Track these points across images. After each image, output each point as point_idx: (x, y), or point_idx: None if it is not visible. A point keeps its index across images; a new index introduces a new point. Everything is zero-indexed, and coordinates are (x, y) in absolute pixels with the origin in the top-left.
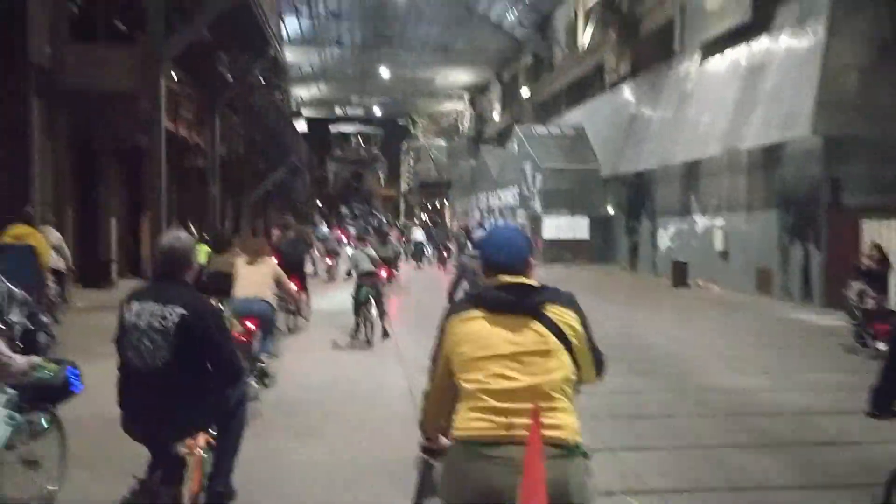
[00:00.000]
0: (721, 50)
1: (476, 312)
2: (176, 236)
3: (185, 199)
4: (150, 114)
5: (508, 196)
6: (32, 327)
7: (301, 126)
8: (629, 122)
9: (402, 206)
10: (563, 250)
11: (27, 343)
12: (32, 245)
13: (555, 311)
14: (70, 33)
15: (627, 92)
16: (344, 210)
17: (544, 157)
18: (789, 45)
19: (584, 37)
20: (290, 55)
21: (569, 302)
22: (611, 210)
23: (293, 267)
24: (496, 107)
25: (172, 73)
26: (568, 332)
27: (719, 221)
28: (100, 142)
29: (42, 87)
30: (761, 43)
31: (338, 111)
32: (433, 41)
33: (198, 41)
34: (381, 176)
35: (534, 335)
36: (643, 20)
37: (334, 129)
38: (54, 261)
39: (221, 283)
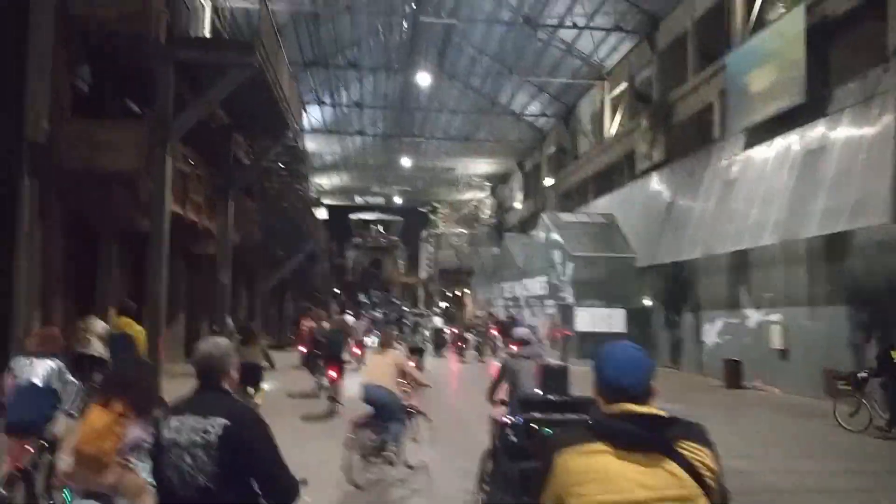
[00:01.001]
0: (769, 134)
1: (599, 446)
2: (214, 342)
3: (194, 288)
4: (154, 196)
5: (536, 285)
6: None
7: (321, 214)
8: (666, 211)
9: (422, 294)
10: (597, 345)
11: None
12: (129, 334)
13: (689, 449)
14: (73, 109)
15: (662, 179)
16: (362, 298)
17: (575, 244)
18: (852, 127)
19: (612, 125)
20: (313, 144)
21: (702, 437)
22: (647, 302)
23: (333, 356)
24: (518, 195)
25: (183, 154)
26: (705, 473)
27: (775, 316)
28: (100, 225)
29: (37, 166)
30: (817, 126)
31: (358, 200)
32: (455, 131)
33: (212, 121)
34: (401, 263)
35: (668, 477)
36: (677, 106)
37: (354, 216)
38: (99, 350)
39: (250, 374)
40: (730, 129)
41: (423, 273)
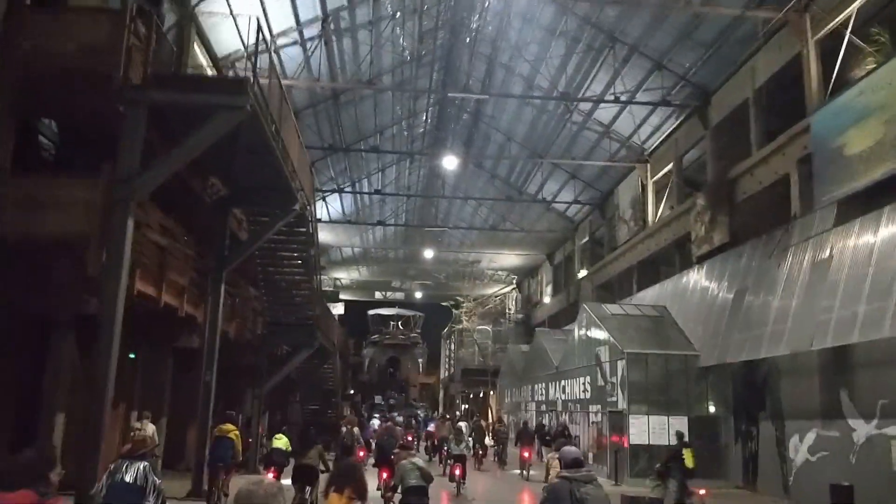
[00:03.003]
0: (868, 205)
1: None
2: (258, 480)
3: (182, 387)
4: (108, 268)
5: (576, 387)
6: None
7: (338, 309)
8: (734, 300)
9: (441, 396)
10: (654, 461)
11: None
12: (232, 438)
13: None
14: (19, 164)
15: (726, 265)
16: (378, 399)
17: (625, 340)
18: None
19: (657, 211)
20: (331, 236)
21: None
22: (713, 408)
23: (384, 460)
24: (546, 289)
25: (160, 224)
26: None
27: (894, 430)
28: (45, 309)
29: None
30: None
31: (378, 295)
32: (480, 221)
33: (206, 193)
34: (420, 362)
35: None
36: (740, 183)
37: (372, 312)
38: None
39: (308, 475)
40: (818, 202)
41: (444, 373)
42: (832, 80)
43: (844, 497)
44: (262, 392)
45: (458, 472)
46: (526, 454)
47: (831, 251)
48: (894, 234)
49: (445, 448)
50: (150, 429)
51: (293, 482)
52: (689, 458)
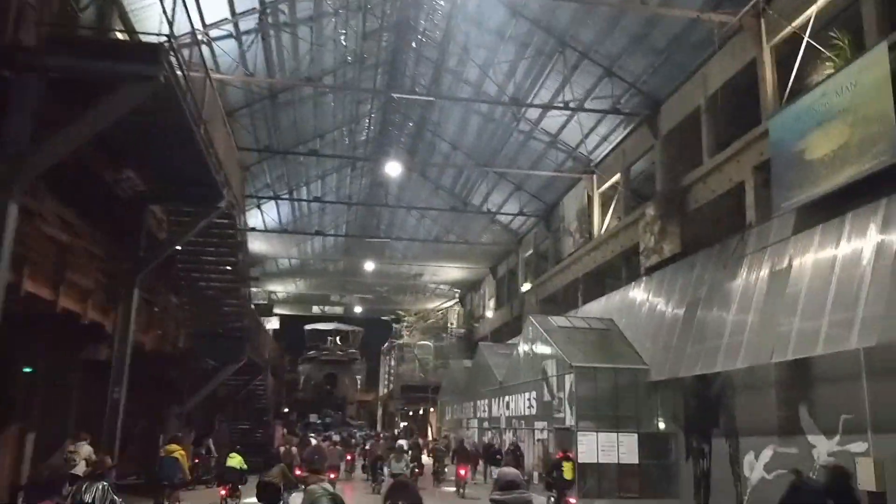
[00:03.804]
0: (829, 211)
1: None
2: None
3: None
4: None
5: (521, 403)
6: None
7: (273, 324)
8: (686, 312)
9: (380, 413)
10: (603, 479)
11: None
12: (177, 457)
13: None
14: None
15: (677, 276)
16: (314, 418)
17: (573, 353)
18: None
19: (603, 222)
20: (266, 245)
21: None
22: (663, 424)
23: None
24: (489, 303)
25: (59, 216)
26: None
27: (858, 446)
28: None
29: None
30: None
31: (315, 310)
32: (424, 233)
33: (120, 187)
34: (359, 379)
35: None
36: (692, 191)
37: (310, 326)
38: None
39: (270, 493)
40: (776, 209)
41: (383, 389)
42: (788, 86)
43: None
44: (184, 410)
45: None
46: (462, 472)
47: (790, 260)
48: (859, 242)
49: (383, 467)
50: (86, 450)
51: (258, 499)
52: (567, 470)
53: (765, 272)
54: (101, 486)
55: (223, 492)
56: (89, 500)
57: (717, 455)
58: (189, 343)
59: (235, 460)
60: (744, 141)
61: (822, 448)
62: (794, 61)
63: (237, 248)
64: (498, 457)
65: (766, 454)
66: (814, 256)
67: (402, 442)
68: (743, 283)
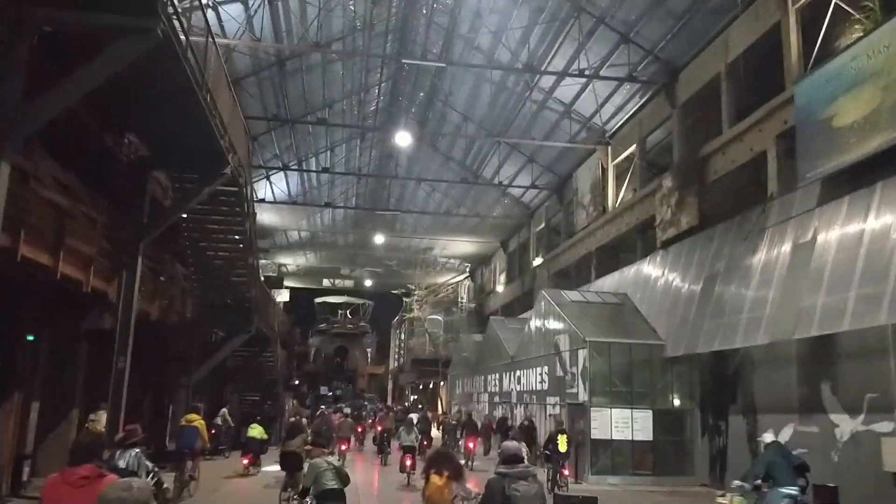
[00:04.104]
0: (857, 181)
1: None
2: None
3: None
4: None
5: (532, 378)
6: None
7: (283, 296)
8: (704, 287)
9: (391, 386)
10: (616, 456)
11: None
12: (197, 427)
13: None
14: None
15: (694, 250)
16: (324, 390)
17: (587, 328)
18: None
19: (618, 195)
20: (276, 217)
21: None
22: (678, 401)
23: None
24: (500, 278)
25: (55, 179)
26: None
27: (886, 426)
28: None
29: None
30: None
31: (325, 283)
32: (434, 206)
33: (123, 151)
34: (369, 352)
35: None
36: (711, 162)
37: (319, 299)
38: None
39: (293, 462)
40: (801, 179)
41: (393, 363)
42: (814, 52)
43: (829, 498)
44: (192, 381)
45: (408, 462)
46: (471, 445)
47: (815, 232)
48: (890, 213)
49: (390, 440)
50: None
51: (281, 468)
52: (562, 443)
53: (788, 245)
54: (134, 453)
55: (245, 461)
56: (123, 466)
57: (734, 433)
58: (196, 313)
59: (256, 430)
60: (766, 108)
61: (846, 427)
62: (820, 25)
63: (244, 216)
64: (509, 432)
65: (786, 432)
66: (840, 228)
67: (413, 415)
68: (764, 256)
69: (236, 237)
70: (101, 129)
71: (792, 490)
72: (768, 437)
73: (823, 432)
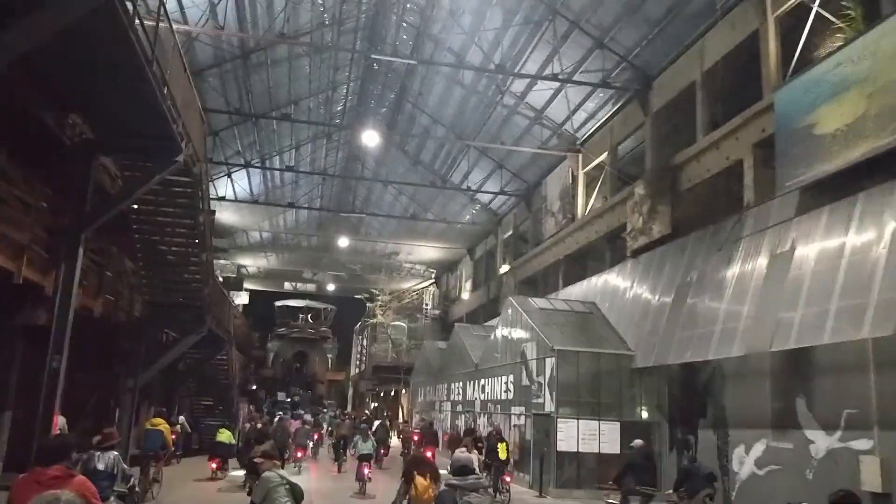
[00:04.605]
0: (838, 191)
1: None
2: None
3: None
4: None
5: (497, 387)
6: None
7: (242, 299)
8: (677, 297)
9: (351, 393)
10: (582, 469)
11: None
12: (162, 430)
13: None
14: None
15: (666, 259)
16: (282, 396)
17: (555, 336)
18: None
19: (588, 203)
20: (237, 217)
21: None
22: (645, 413)
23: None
24: (466, 285)
25: None
26: None
27: (862, 443)
28: None
29: None
30: None
31: (287, 286)
32: (400, 210)
33: (65, 132)
34: (330, 358)
35: None
36: (685, 170)
37: (280, 303)
38: None
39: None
40: (780, 188)
41: (355, 369)
42: (794, 60)
43: None
44: (138, 383)
45: (365, 470)
46: (429, 454)
47: (794, 243)
48: (872, 224)
49: (346, 447)
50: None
51: (248, 473)
52: (502, 451)
53: (764, 255)
54: (112, 455)
55: (214, 465)
56: (102, 468)
57: (703, 447)
58: (145, 312)
59: (224, 435)
60: (743, 117)
61: (821, 444)
62: (799, 34)
63: (198, 209)
64: (479, 444)
65: (758, 448)
66: (820, 239)
67: (376, 422)
68: (739, 266)
69: (189, 232)
70: (41, 108)
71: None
72: (637, 443)
73: (798, 449)
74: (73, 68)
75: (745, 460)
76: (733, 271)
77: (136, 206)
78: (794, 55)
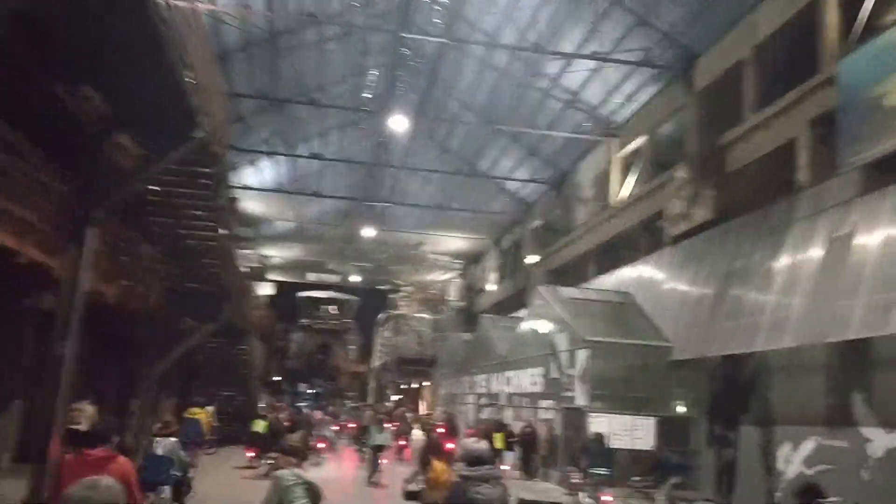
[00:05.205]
0: None
1: None
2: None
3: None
4: None
5: (524, 380)
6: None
7: (267, 290)
8: (720, 285)
9: (372, 385)
10: (615, 466)
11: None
12: (199, 419)
13: None
14: None
15: (709, 245)
16: (303, 388)
17: (588, 327)
18: None
19: (622, 189)
20: (263, 206)
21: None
22: (682, 408)
23: None
24: (491, 277)
25: None
26: None
27: None
28: None
29: None
30: None
31: (311, 277)
32: (427, 199)
33: (78, 108)
34: (352, 349)
35: None
36: (732, 151)
37: (303, 294)
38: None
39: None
40: (843, 165)
41: (377, 361)
42: (857, 29)
43: None
44: (155, 373)
45: (380, 461)
46: (450, 445)
47: (855, 226)
48: None
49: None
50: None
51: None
52: (498, 441)
53: (820, 240)
54: (171, 442)
55: (251, 454)
56: (161, 453)
57: (745, 445)
58: (163, 299)
59: (260, 426)
60: (799, 92)
61: (881, 443)
62: (860, 3)
63: (219, 191)
64: (510, 439)
65: (808, 447)
66: (886, 221)
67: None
68: (791, 251)
69: (209, 216)
70: (51, 78)
71: None
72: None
73: (853, 447)
74: (84, 34)
75: (793, 459)
76: (784, 257)
77: (154, 189)
78: (853, 27)
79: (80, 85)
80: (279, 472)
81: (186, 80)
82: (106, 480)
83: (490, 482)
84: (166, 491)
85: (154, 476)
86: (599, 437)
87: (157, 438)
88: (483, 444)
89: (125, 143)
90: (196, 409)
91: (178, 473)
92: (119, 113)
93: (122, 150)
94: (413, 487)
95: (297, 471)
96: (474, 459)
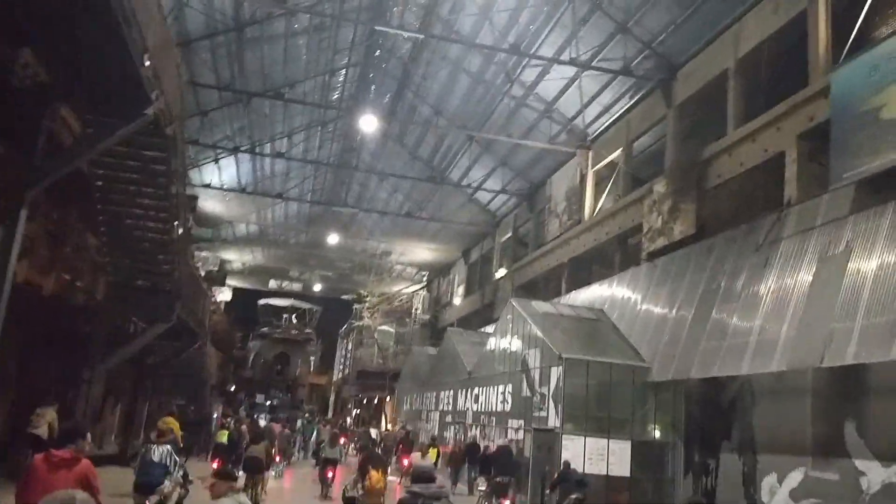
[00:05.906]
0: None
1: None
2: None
3: None
4: None
5: (493, 397)
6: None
7: (225, 295)
8: (702, 304)
9: (333, 398)
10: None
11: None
12: (172, 428)
13: None
14: None
15: (687, 262)
16: (260, 399)
17: (563, 343)
18: None
19: (597, 203)
20: (223, 208)
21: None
22: (658, 432)
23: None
24: (459, 290)
25: None
26: None
27: None
28: None
29: None
30: None
31: (272, 284)
32: (395, 207)
33: (15, 74)
34: (313, 360)
35: None
36: (714, 165)
37: (263, 301)
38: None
39: (255, 466)
40: (835, 180)
41: (338, 374)
42: (847, 44)
43: None
44: (94, 375)
45: (329, 474)
46: (406, 461)
47: (849, 244)
48: None
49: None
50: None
51: (244, 470)
52: (431, 456)
53: (811, 258)
54: (165, 448)
55: (215, 464)
56: (157, 459)
57: (725, 473)
58: (108, 294)
59: (224, 436)
60: (787, 104)
61: (875, 476)
62: (851, 14)
63: (172, 179)
64: (485, 461)
65: (795, 478)
66: (884, 239)
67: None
68: (779, 270)
69: (160, 205)
70: None
71: None
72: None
73: (845, 480)
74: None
75: (778, 490)
76: (772, 275)
77: (99, 172)
78: (844, 38)
79: (17, 48)
80: (221, 500)
81: (135, 43)
82: (81, 495)
83: (440, 500)
84: (165, 489)
85: (149, 481)
86: (507, 450)
87: (153, 445)
88: (430, 462)
89: (66, 117)
90: (170, 418)
91: (179, 475)
92: (61, 82)
93: (63, 123)
94: (352, 493)
95: (240, 498)
96: (423, 476)
